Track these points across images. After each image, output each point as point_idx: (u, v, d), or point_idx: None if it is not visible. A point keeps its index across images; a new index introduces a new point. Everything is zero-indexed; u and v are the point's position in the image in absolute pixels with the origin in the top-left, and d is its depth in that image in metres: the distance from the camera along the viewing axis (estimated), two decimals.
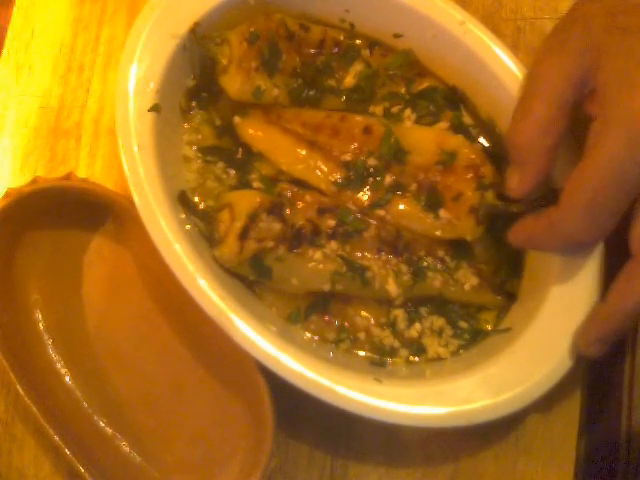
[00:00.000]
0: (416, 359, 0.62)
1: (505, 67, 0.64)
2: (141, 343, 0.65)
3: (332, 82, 0.67)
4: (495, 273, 0.64)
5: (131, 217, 0.58)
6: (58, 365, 0.64)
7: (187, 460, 0.63)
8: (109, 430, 0.63)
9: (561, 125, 0.56)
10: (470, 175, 0.62)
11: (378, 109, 0.66)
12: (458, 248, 0.64)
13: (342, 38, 0.68)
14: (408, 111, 0.66)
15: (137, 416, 0.63)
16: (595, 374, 0.66)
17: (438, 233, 0.63)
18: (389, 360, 0.61)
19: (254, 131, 0.65)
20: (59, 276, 0.65)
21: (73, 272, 0.65)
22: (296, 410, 0.63)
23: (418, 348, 0.62)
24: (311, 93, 0.66)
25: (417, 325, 0.62)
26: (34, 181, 0.61)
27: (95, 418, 0.63)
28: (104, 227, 0.65)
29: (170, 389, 0.64)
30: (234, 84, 0.63)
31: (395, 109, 0.66)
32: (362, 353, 0.62)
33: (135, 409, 0.64)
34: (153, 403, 0.64)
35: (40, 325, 0.64)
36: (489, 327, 0.63)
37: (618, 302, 0.55)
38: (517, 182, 0.58)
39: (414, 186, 0.63)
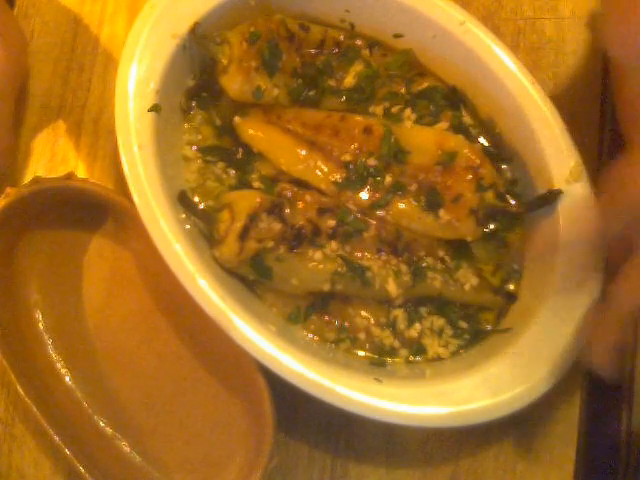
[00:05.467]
0: (416, 359, 0.62)
1: (505, 67, 0.64)
2: (141, 343, 0.65)
3: (332, 82, 0.67)
4: (495, 273, 0.64)
5: (131, 217, 0.58)
6: (58, 365, 0.64)
7: (187, 460, 0.63)
8: (109, 430, 0.63)
9: None
10: (470, 176, 0.62)
11: (378, 109, 0.66)
12: (458, 248, 0.64)
13: (342, 38, 0.68)
14: (408, 111, 0.66)
15: (137, 416, 0.63)
16: (595, 375, 0.66)
17: (438, 233, 0.63)
18: (389, 360, 0.61)
19: (254, 131, 0.65)
20: (59, 276, 0.65)
21: (73, 272, 0.65)
22: (296, 410, 0.63)
23: (418, 348, 0.62)
24: (311, 93, 0.66)
25: (417, 325, 0.62)
26: (34, 181, 0.61)
27: (95, 418, 0.63)
28: (104, 227, 0.65)
29: (170, 389, 0.64)
30: (234, 84, 0.63)
31: (395, 109, 0.66)
32: (362, 353, 0.62)
33: (135, 409, 0.64)
34: (153, 403, 0.64)
35: (40, 325, 0.64)
36: (489, 327, 0.63)
37: (629, 300, 0.52)
38: None
39: (414, 186, 0.63)
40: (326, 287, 0.60)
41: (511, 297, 0.64)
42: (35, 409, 0.59)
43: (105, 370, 0.64)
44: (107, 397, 0.64)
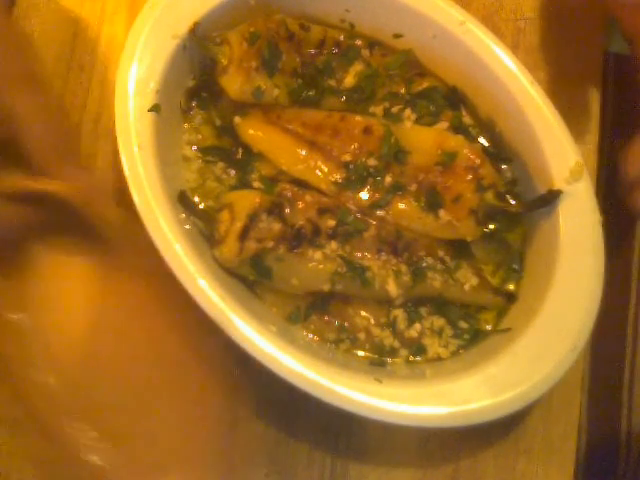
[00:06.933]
0: (416, 359, 0.62)
1: (505, 67, 0.64)
2: (139, 343, 0.64)
3: (332, 82, 0.67)
4: (495, 273, 0.64)
5: (130, 218, 0.58)
6: None
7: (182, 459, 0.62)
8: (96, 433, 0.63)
9: None
10: (470, 176, 0.62)
11: (378, 109, 0.66)
12: (458, 248, 0.64)
13: (342, 38, 0.68)
14: (408, 111, 0.66)
15: (129, 418, 0.63)
16: (595, 374, 0.66)
17: (438, 234, 0.63)
18: (389, 360, 0.61)
19: (254, 131, 0.65)
20: None
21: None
22: (296, 409, 0.63)
23: (418, 348, 0.62)
24: (311, 93, 0.66)
25: (417, 325, 0.62)
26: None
27: (83, 421, 0.63)
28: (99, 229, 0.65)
29: (166, 390, 0.64)
30: (234, 84, 0.63)
31: (395, 109, 0.66)
32: (362, 353, 0.62)
33: (129, 410, 0.63)
34: (147, 404, 0.63)
35: None
36: (489, 327, 0.63)
37: None
38: None
39: (414, 186, 0.63)
40: (326, 287, 0.60)
41: (511, 297, 0.64)
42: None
43: (100, 370, 0.64)
44: (98, 399, 0.63)
